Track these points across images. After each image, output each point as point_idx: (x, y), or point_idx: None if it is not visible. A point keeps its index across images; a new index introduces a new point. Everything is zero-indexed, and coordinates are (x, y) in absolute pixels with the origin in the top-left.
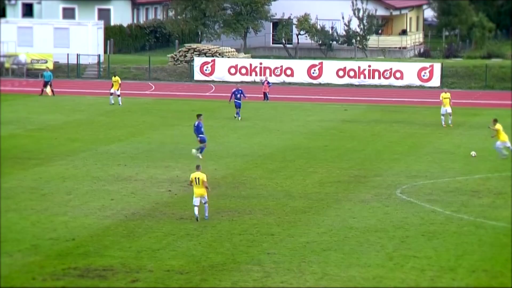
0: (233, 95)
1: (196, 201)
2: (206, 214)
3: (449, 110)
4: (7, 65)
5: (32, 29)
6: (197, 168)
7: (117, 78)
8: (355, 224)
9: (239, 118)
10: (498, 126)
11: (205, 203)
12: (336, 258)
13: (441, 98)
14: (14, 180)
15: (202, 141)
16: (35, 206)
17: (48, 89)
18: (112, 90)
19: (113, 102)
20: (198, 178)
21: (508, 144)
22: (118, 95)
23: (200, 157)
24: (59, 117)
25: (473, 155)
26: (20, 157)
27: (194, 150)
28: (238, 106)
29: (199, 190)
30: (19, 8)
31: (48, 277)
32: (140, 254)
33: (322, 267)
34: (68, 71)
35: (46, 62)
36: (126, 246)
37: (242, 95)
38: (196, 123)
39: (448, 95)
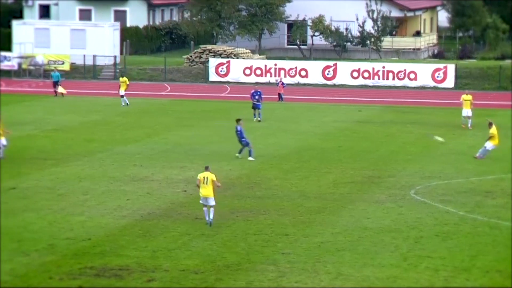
0: (252, 96)
1: (203, 200)
2: (211, 217)
3: (470, 113)
4: (24, 66)
5: (49, 31)
6: (206, 169)
7: (124, 78)
8: (370, 224)
9: (254, 119)
10: (494, 129)
11: (211, 206)
12: (351, 258)
13: (462, 100)
14: (31, 180)
15: (246, 144)
16: (52, 206)
17: (60, 89)
18: (121, 92)
19: (123, 104)
20: (207, 178)
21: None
22: (122, 96)
23: (251, 158)
24: (76, 117)
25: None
26: (37, 157)
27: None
28: (256, 107)
29: (205, 190)
30: (36, 10)
31: (65, 276)
32: (155, 253)
33: (337, 267)
34: (84, 72)
35: (63, 63)
36: (142, 246)
37: (260, 96)
38: (239, 128)
39: (469, 97)
